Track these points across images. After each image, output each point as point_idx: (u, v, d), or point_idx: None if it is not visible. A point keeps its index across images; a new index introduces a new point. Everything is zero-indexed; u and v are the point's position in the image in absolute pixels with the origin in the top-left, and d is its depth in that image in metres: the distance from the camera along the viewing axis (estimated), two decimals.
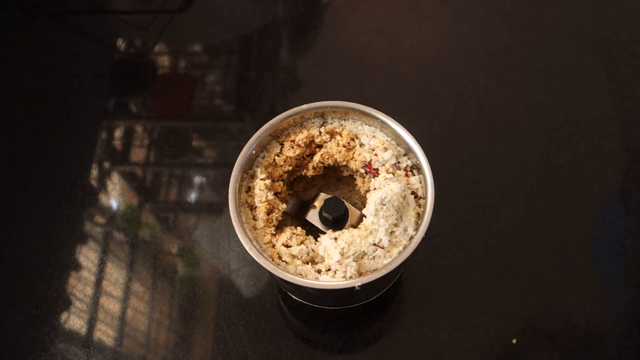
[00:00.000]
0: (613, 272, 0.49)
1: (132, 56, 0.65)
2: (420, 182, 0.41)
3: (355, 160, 0.43)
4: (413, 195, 0.41)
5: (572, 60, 0.61)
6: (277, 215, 0.41)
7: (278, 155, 0.43)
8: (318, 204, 0.43)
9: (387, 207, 0.39)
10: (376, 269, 0.38)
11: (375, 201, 0.39)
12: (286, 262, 0.39)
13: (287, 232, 0.41)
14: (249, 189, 0.42)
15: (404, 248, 0.39)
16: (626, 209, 0.52)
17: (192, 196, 0.55)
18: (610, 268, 0.50)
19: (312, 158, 0.44)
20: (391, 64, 0.61)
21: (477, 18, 0.64)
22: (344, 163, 0.43)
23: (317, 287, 0.38)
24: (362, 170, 0.42)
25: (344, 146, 0.43)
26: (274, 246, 0.40)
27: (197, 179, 0.56)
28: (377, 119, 0.42)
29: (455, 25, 0.64)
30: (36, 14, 0.67)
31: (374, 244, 0.39)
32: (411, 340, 0.47)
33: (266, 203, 0.41)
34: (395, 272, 0.41)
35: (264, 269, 0.38)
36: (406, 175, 0.41)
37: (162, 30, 0.65)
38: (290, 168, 0.43)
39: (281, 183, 0.43)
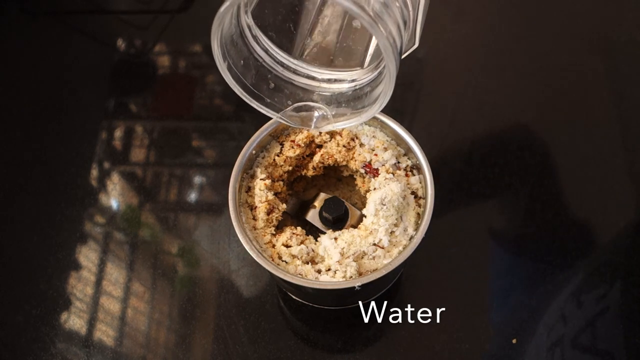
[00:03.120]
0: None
1: (132, 56, 0.65)
2: (420, 182, 0.41)
3: (355, 160, 0.43)
4: (413, 195, 0.41)
5: (571, 60, 0.61)
6: (277, 215, 0.41)
7: (278, 155, 0.43)
8: (318, 204, 0.43)
9: (387, 207, 0.39)
10: (376, 269, 0.38)
11: (375, 201, 0.39)
12: (286, 262, 0.39)
13: (287, 232, 0.41)
14: (249, 189, 0.42)
15: (404, 248, 0.39)
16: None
17: (192, 196, 0.55)
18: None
19: (312, 158, 0.44)
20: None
21: (477, 18, 0.64)
22: (344, 163, 0.43)
23: (317, 287, 0.38)
24: (362, 170, 0.42)
25: (344, 146, 0.43)
26: (274, 246, 0.40)
27: (197, 179, 0.56)
28: (377, 119, 0.42)
29: (455, 25, 0.64)
30: (36, 14, 0.67)
31: (374, 244, 0.39)
32: (411, 340, 0.47)
33: (266, 203, 0.41)
34: (395, 272, 0.41)
35: (264, 269, 0.38)
36: (406, 175, 0.41)
37: (162, 30, 0.65)
38: (290, 168, 0.43)
39: (281, 183, 0.43)
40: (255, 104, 0.40)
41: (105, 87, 0.62)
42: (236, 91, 0.39)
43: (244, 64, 0.39)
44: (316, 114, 0.40)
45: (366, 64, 0.40)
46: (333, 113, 0.40)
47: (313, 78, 0.41)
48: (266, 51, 0.40)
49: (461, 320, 0.47)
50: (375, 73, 0.39)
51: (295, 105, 0.40)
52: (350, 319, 0.48)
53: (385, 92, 0.35)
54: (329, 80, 0.41)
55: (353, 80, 0.41)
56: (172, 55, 0.64)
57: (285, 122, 0.41)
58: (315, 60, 0.40)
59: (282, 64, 0.40)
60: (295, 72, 0.41)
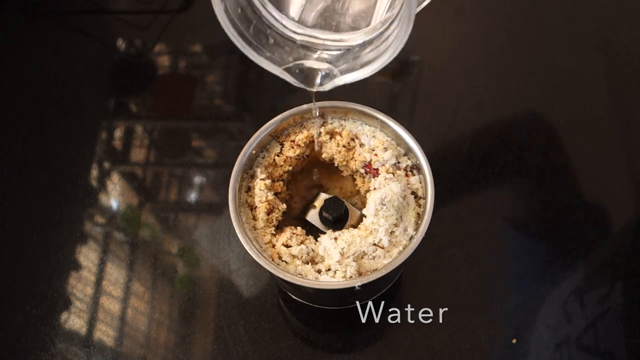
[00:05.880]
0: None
1: (132, 56, 0.65)
2: (420, 182, 0.41)
3: (355, 160, 0.43)
4: (413, 195, 0.41)
5: (572, 61, 0.61)
6: (277, 215, 0.41)
7: (278, 155, 0.43)
8: (318, 204, 0.43)
9: (387, 207, 0.39)
10: (376, 269, 0.38)
11: (375, 201, 0.39)
12: (286, 262, 0.39)
13: (287, 232, 0.41)
14: (249, 189, 0.42)
15: (404, 248, 0.39)
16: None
17: (192, 196, 0.55)
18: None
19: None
20: (391, 64, 0.61)
21: (477, 18, 0.64)
22: (344, 163, 0.43)
23: (317, 287, 0.38)
24: (362, 170, 0.42)
25: (343, 146, 0.43)
26: (274, 246, 0.40)
27: (197, 179, 0.56)
28: (377, 119, 0.42)
29: (455, 25, 0.64)
30: (36, 14, 0.67)
31: (374, 244, 0.39)
32: (411, 340, 0.47)
33: (266, 203, 0.41)
34: (395, 272, 0.41)
35: (264, 269, 0.38)
36: (406, 175, 0.41)
37: (162, 30, 0.65)
38: (290, 168, 0.43)
39: (281, 183, 0.43)
40: (253, 55, 0.35)
41: (105, 87, 0.62)
42: (231, 37, 0.34)
43: (241, 13, 0.35)
44: (320, 71, 0.37)
45: (373, 23, 0.36)
46: (340, 68, 0.36)
47: (316, 37, 0.37)
48: (264, 5, 0.36)
49: (461, 320, 0.47)
50: (384, 27, 0.35)
51: (298, 62, 0.36)
52: (350, 319, 0.48)
53: (400, 37, 0.31)
54: (333, 39, 0.37)
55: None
56: (172, 55, 0.64)
57: (286, 79, 0.37)
58: (316, 26, 0.37)
59: (282, 23, 0.37)
60: (295, 31, 0.37)
